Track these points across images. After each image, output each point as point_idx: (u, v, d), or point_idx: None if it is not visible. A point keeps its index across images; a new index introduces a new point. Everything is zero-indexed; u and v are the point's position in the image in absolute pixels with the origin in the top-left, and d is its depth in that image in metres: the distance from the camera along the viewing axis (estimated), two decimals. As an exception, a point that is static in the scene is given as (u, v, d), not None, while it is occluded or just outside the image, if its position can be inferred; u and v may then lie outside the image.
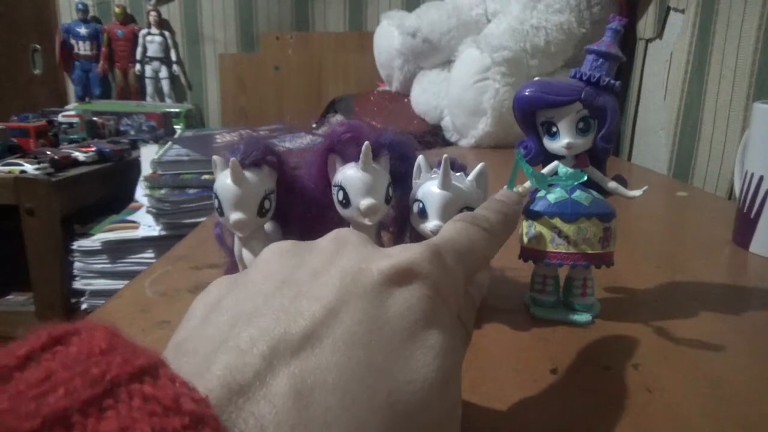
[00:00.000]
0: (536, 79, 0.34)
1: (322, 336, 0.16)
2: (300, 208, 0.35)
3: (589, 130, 0.33)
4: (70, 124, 1.36)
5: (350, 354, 0.15)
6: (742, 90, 0.70)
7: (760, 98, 0.54)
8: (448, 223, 0.23)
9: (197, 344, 0.16)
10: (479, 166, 0.32)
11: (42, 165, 1.07)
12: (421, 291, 0.18)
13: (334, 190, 0.32)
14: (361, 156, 0.31)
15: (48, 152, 1.15)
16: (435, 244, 0.20)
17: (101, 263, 1.09)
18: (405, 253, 0.19)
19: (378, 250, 0.19)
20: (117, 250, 1.08)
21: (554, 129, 0.33)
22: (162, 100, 1.82)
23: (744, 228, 0.50)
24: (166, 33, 1.77)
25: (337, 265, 0.18)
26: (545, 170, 0.34)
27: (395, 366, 0.16)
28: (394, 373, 0.16)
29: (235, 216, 0.31)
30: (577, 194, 0.33)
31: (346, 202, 0.32)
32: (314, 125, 1.26)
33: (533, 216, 0.34)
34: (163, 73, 1.79)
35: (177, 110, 1.67)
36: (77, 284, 1.10)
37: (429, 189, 0.31)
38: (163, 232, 1.06)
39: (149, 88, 1.81)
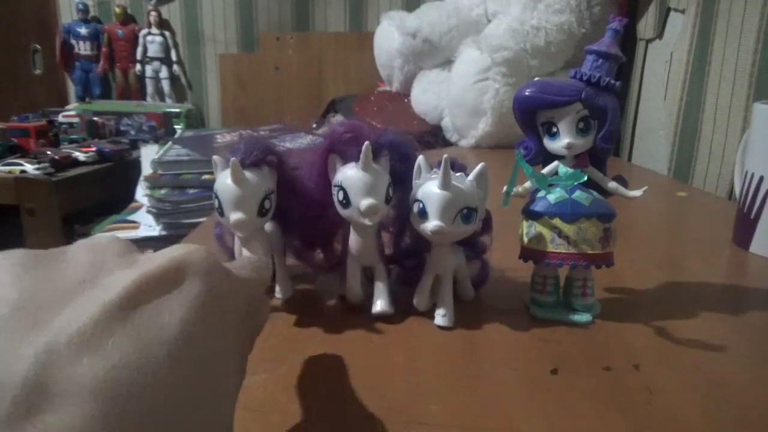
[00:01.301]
0: (536, 79, 0.34)
1: (67, 387, 0.12)
2: (300, 208, 0.35)
3: (589, 130, 0.33)
4: (71, 124, 1.36)
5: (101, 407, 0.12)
6: (742, 90, 0.70)
7: (760, 98, 0.54)
8: None
9: None
10: (479, 166, 0.32)
11: (42, 165, 1.08)
12: (195, 289, 0.16)
13: (334, 190, 0.32)
14: (362, 156, 0.31)
15: (48, 152, 1.15)
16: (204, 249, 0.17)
17: (101, 263, 1.09)
18: (172, 252, 0.16)
19: (141, 256, 0.17)
20: (117, 250, 1.08)
21: (554, 129, 0.33)
22: (162, 100, 1.82)
23: (744, 228, 0.50)
24: (167, 33, 1.77)
25: (96, 281, 0.15)
26: (545, 170, 0.34)
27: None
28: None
29: (235, 216, 0.31)
30: (578, 194, 0.33)
31: (346, 202, 0.32)
32: (314, 125, 1.26)
33: (533, 216, 0.34)
34: (164, 73, 1.79)
35: (177, 110, 1.67)
36: (77, 284, 1.10)
37: (429, 189, 0.31)
38: (163, 232, 1.06)
39: (149, 88, 1.81)
